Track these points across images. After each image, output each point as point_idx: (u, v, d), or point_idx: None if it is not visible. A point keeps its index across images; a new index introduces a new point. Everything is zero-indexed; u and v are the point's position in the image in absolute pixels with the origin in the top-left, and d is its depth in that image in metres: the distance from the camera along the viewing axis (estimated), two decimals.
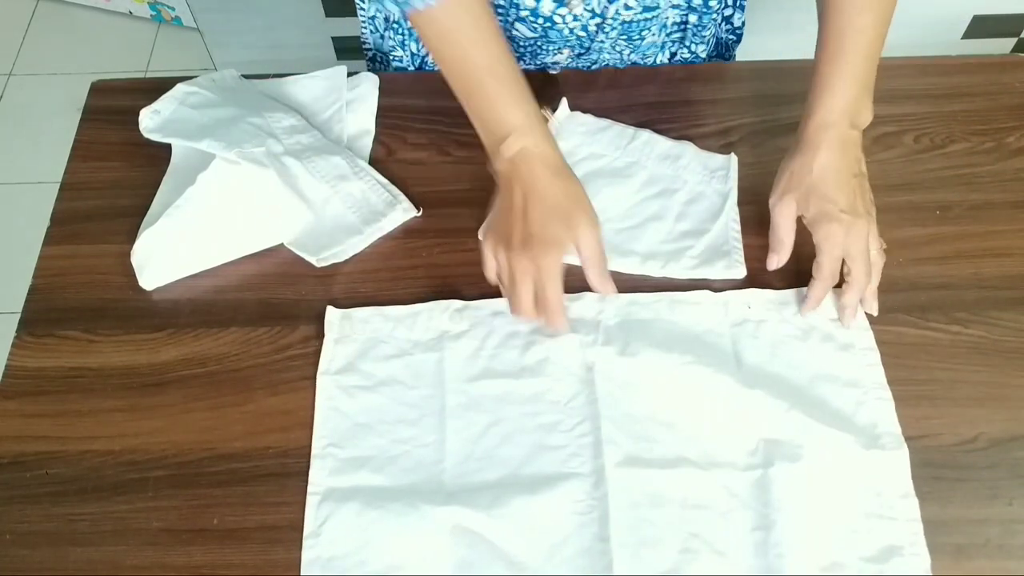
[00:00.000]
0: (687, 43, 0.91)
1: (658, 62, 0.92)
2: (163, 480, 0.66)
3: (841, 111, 0.71)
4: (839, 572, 0.61)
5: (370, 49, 0.95)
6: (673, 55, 0.92)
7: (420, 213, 0.79)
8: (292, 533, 0.63)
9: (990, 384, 0.69)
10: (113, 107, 0.86)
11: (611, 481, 0.64)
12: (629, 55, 0.89)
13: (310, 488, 0.65)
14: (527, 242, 0.67)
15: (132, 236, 0.76)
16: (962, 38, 1.77)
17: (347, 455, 0.66)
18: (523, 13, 0.81)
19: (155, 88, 0.82)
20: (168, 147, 0.81)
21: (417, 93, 0.88)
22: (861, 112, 0.72)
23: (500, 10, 0.81)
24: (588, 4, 0.79)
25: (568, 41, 0.85)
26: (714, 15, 0.88)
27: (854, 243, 0.70)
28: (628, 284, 0.73)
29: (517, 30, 0.83)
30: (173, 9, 2.04)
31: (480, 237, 0.70)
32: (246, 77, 0.88)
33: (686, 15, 0.87)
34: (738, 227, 0.77)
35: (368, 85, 0.87)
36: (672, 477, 0.64)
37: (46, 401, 0.70)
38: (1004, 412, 0.68)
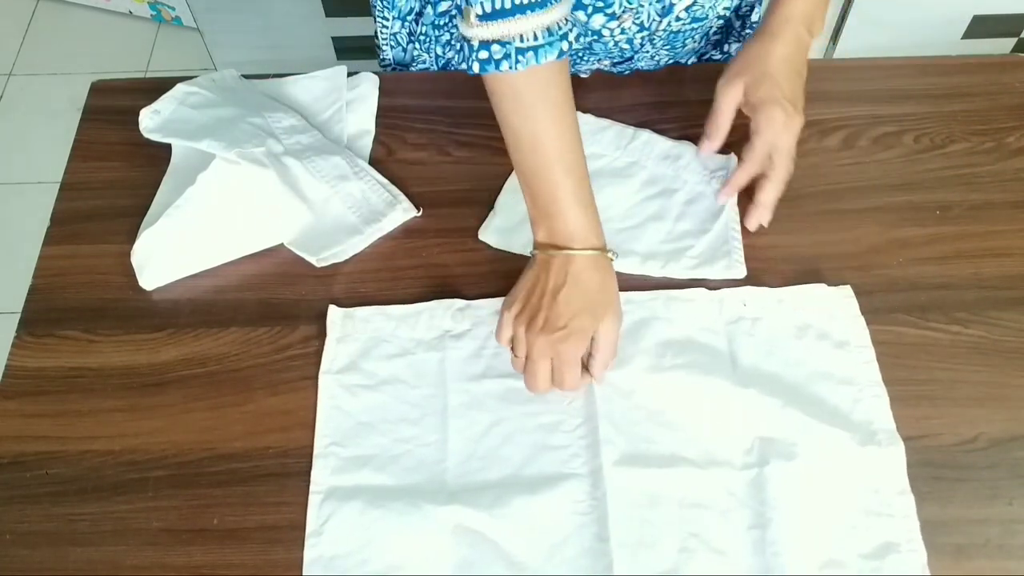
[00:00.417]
0: (722, 46, 0.91)
1: (689, 63, 0.92)
2: (163, 480, 0.66)
3: (801, 13, 0.76)
4: (837, 571, 0.61)
5: (389, 65, 0.95)
6: (702, 56, 0.92)
7: (420, 213, 0.79)
8: (292, 533, 0.63)
9: (990, 384, 0.69)
10: (113, 107, 0.86)
11: (609, 481, 0.64)
12: (667, 61, 0.89)
13: (312, 487, 0.65)
14: (552, 326, 0.65)
15: (132, 236, 0.76)
16: (962, 38, 1.77)
17: (349, 454, 0.66)
18: None
19: (155, 88, 0.81)
20: (168, 147, 0.81)
21: (417, 93, 0.88)
22: (815, 22, 0.78)
23: None
24: (638, 17, 0.79)
25: (611, 53, 0.84)
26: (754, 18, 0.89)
27: (787, 135, 0.74)
28: (627, 284, 0.73)
29: None
30: (173, 9, 2.04)
31: (502, 304, 0.69)
32: (246, 77, 0.88)
33: (729, 20, 0.87)
34: (738, 227, 0.77)
35: (368, 85, 0.87)
36: (670, 476, 0.64)
37: (46, 401, 0.70)
38: (1004, 412, 0.68)
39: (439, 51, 0.90)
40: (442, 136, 0.84)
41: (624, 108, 0.85)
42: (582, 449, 0.66)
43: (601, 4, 0.77)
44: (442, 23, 0.86)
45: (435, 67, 0.92)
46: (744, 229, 0.77)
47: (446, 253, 0.77)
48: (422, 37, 0.89)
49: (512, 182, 0.79)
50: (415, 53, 0.91)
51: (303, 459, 0.66)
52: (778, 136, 0.74)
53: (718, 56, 0.93)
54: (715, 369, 0.68)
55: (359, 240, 0.77)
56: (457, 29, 0.85)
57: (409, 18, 0.88)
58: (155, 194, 0.79)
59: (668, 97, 0.86)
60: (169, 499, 0.65)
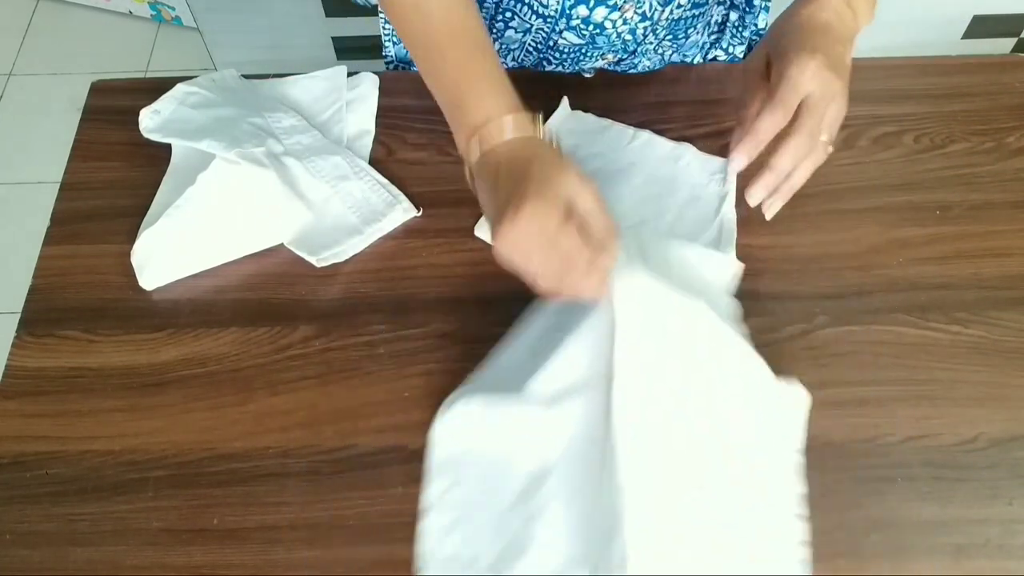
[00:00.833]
0: (724, 44, 0.91)
1: (695, 62, 0.92)
2: (163, 480, 0.66)
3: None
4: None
5: (392, 62, 0.95)
6: (706, 56, 0.92)
7: (420, 213, 0.79)
8: (292, 533, 0.63)
9: (990, 384, 0.69)
10: (113, 107, 0.86)
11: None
12: (671, 56, 0.89)
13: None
14: (520, 205, 0.57)
15: (132, 236, 0.76)
16: (962, 38, 1.77)
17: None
18: (574, 22, 0.80)
19: (155, 88, 0.82)
20: (168, 147, 0.81)
21: (417, 93, 0.87)
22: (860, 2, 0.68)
23: (550, 21, 0.81)
24: (640, 6, 0.79)
25: (614, 46, 0.84)
26: (755, 15, 0.88)
27: (820, 86, 0.62)
28: None
29: (565, 38, 0.83)
30: (173, 9, 2.05)
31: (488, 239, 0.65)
32: (246, 77, 0.88)
33: (727, 13, 0.86)
34: (734, 229, 0.77)
35: (368, 85, 0.87)
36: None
37: (46, 401, 0.70)
38: (1004, 412, 0.68)
39: None
40: (442, 136, 0.84)
41: (624, 108, 0.85)
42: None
43: None
44: None
45: None
46: (744, 230, 0.77)
47: (446, 253, 0.77)
48: None
49: None
50: None
51: (303, 459, 0.66)
52: (810, 84, 0.62)
53: (723, 56, 0.93)
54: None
55: (359, 240, 0.77)
56: None
57: None
58: (155, 194, 0.79)
59: (668, 97, 0.86)
60: (169, 499, 0.65)
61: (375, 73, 0.88)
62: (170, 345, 0.72)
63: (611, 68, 0.89)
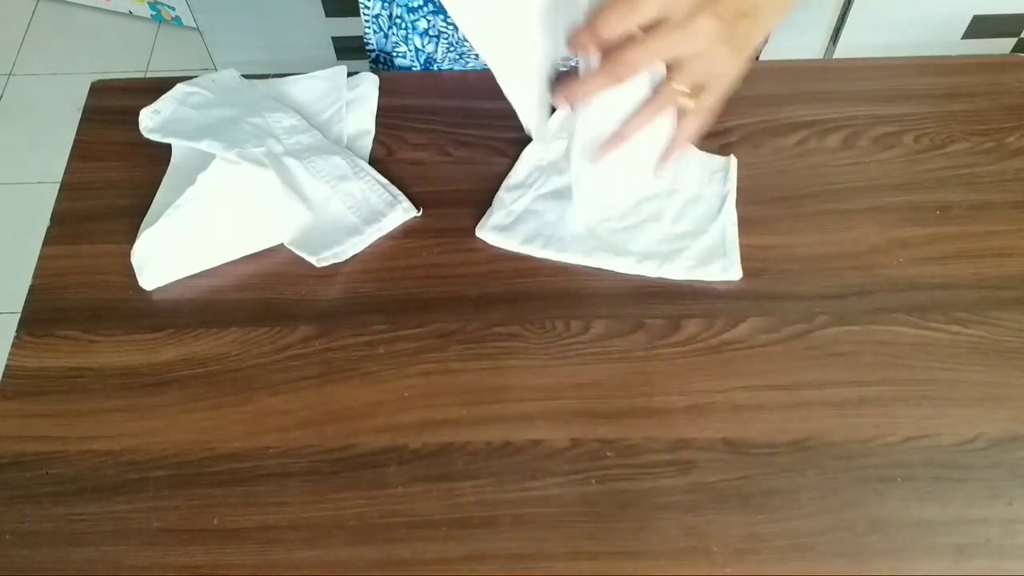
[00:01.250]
0: None
1: None
2: (163, 480, 0.66)
3: None
4: None
5: (373, 50, 0.95)
6: None
7: (420, 213, 0.79)
8: (292, 533, 0.63)
9: (990, 384, 0.69)
10: (113, 107, 0.86)
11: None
12: None
13: None
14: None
15: (132, 236, 0.76)
16: (962, 38, 1.77)
17: None
18: None
19: (155, 88, 0.82)
20: (168, 147, 0.81)
21: (417, 93, 0.88)
22: None
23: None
24: None
25: None
26: None
27: (697, 27, 0.56)
28: (624, 284, 0.73)
29: None
30: (173, 9, 2.05)
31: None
32: (246, 77, 0.88)
33: None
34: (735, 229, 0.77)
35: (368, 85, 0.87)
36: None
37: (46, 401, 0.70)
38: (1004, 412, 0.68)
39: (418, 42, 0.90)
40: (442, 136, 0.84)
41: None
42: None
43: None
44: (415, 5, 0.86)
45: (417, 64, 0.92)
46: (744, 230, 0.77)
47: (446, 253, 0.77)
48: (398, 20, 0.89)
49: (509, 179, 0.79)
50: (395, 41, 0.91)
51: (303, 459, 0.66)
52: (683, 4, 0.55)
53: None
54: None
55: (359, 240, 0.77)
56: (433, 16, 0.85)
57: None
58: (155, 194, 0.79)
59: None
60: (169, 499, 0.65)
61: (374, 72, 0.88)
62: (170, 345, 0.72)
63: None
